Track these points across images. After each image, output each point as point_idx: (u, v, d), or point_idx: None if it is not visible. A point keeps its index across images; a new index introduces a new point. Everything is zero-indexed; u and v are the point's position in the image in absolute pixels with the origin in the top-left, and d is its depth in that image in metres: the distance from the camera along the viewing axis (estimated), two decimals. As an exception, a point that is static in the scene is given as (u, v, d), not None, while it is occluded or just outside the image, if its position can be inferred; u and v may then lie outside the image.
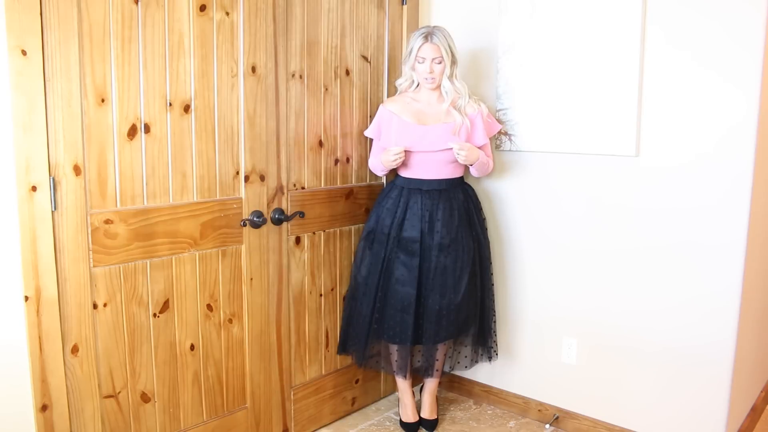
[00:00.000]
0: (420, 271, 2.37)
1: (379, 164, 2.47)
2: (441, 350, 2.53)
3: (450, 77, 2.36)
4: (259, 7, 2.13)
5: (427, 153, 2.37)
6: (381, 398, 2.89)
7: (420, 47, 2.32)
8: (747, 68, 2.04)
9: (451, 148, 2.33)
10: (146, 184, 1.91)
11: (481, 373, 2.87)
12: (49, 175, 1.69)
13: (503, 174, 2.69)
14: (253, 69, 2.14)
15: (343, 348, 2.57)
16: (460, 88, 2.40)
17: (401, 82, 2.48)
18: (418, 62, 2.34)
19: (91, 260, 1.81)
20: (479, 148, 2.43)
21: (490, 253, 2.60)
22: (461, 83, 2.41)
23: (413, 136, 2.37)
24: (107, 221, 1.83)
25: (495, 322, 2.65)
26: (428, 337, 2.39)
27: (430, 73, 2.33)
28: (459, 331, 2.45)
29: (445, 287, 2.37)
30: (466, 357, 2.61)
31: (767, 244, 2.49)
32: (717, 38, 2.09)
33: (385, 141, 2.43)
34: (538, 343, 2.67)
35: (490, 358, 2.62)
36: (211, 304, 2.14)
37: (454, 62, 2.35)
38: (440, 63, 2.32)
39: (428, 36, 2.31)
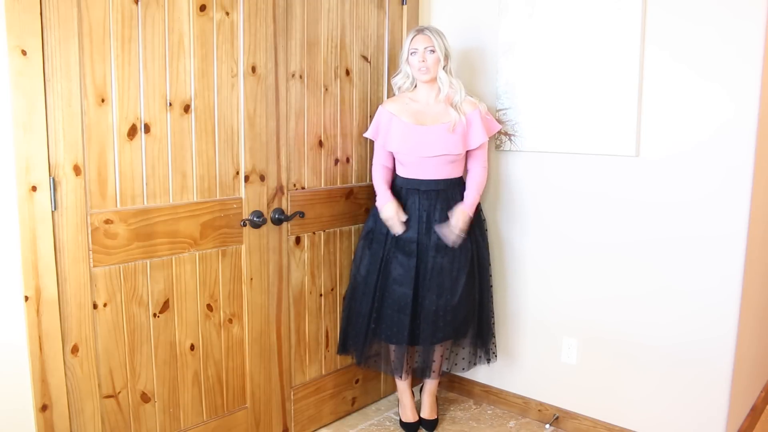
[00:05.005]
0: (417, 272, 2.37)
1: (377, 183, 2.48)
2: (438, 351, 2.53)
3: (445, 70, 2.38)
4: (259, 7, 2.13)
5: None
6: (381, 398, 2.89)
7: (412, 39, 2.37)
8: (743, 64, 2.04)
9: (448, 151, 2.35)
10: (146, 184, 1.91)
11: (481, 373, 2.87)
12: (49, 175, 1.69)
13: (503, 174, 2.69)
14: (253, 69, 2.14)
15: (343, 348, 2.57)
16: (455, 83, 2.40)
17: (397, 80, 2.48)
18: (411, 54, 2.37)
19: (91, 260, 1.81)
20: (477, 148, 2.43)
21: (489, 254, 2.60)
22: (456, 80, 2.42)
23: (412, 138, 2.37)
24: (107, 221, 1.83)
25: (494, 324, 2.65)
26: (425, 338, 2.39)
27: (423, 62, 2.34)
28: (456, 333, 2.44)
29: (442, 288, 2.36)
30: (463, 359, 2.61)
31: (767, 241, 2.49)
32: (715, 37, 2.09)
33: (384, 142, 2.44)
34: (539, 343, 2.67)
35: (488, 360, 2.61)
36: (211, 304, 2.14)
37: (447, 56, 2.37)
38: (433, 52, 2.33)
39: (420, 30, 2.37)
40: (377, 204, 2.44)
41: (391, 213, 2.36)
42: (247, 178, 2.18)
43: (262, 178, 2.23)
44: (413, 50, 2.36)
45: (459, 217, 2.36)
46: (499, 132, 2.63)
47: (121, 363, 1.92)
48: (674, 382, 2.31)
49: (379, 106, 2.48)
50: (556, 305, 2.60)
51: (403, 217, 2.36)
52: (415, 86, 2.46)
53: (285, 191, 2.32)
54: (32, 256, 1.68)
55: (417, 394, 2.78)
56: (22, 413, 1.71)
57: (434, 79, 2.39)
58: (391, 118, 2.41)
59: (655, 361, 2.34)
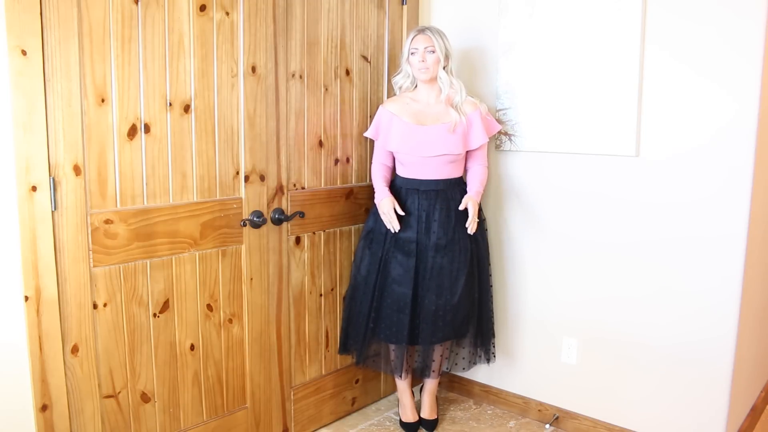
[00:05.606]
0: (416, 272, 2.37)
1: (375, 179, 2.49)
2: (438, 351, 2.53)
3: (445, 70, 2.39)
4: (259, 7, 2.13)
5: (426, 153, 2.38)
6: (381, 398, 2.89)
7: (413, 39, 2.38)
8: (744, 63, 2.04)
9: (448, 151, 2.35)
10: (146, 184, 1.91)
11: (481, 373, 2.87)
12: (49, 175, 1.69)
13: (503, 174, 2.69)
14: (253, 69, 2.14)
15: (344, 348, 2.57)
16: (455, 83, 2.41)
17: (397, 79, 2.49)
18: (411, 53, 2.38)
19: (91, 260, 1.81)
20: (477, 148, 2.44)
21: (489, 253, 2.60)
22: (457, 80, 2.42)
23: (413, 138, 2.37)
24: (107, 221, 1.83)
25: (494, 323, 2.65)
26: (424, 337, 2.39)
27: (422, 61, 2.35)
28: (456, 333, 2.45)
29: (441, 288, 2.37)
30: (463, 359, 2.61)
31: (767, 241, 2.49)
32: (716, 37, 2.09)
33: (384, 141, 2.44)
34: (539, 343, 2.67)
35: (488, 360, 2.61)
36: (211, 304, 2.14)
37: (448, 56, 2.38)
38: (433, 52, 2.34)
39: (421, 30, 2.38)
40: (375, 200, 2.45)
41: (388, 208, 2.37)
42: (247, 178, 2.18)
43: (262, 178, 2.23)
44: (413, 50, 2.37)
45: (471, 206, 2.35)
46: (499, 132, 2.63)
47: (121, 363, 1.92)
48: (674, 383, 2.31)
49: (380, 106, 2.48)
50: (556, 305, 2.60)
51: (401, 213, 2.37)
52: (416, 86, 2.46)
53: (285, 191, 2.32)
54: (32, 256, 1.68)
55: (417, 394, 2.78)
56: (22, 413, 1.71)
57: (434, 79, 2.40)
58: (392, 118, 2.41)
59: (655, 361, 2.34)
